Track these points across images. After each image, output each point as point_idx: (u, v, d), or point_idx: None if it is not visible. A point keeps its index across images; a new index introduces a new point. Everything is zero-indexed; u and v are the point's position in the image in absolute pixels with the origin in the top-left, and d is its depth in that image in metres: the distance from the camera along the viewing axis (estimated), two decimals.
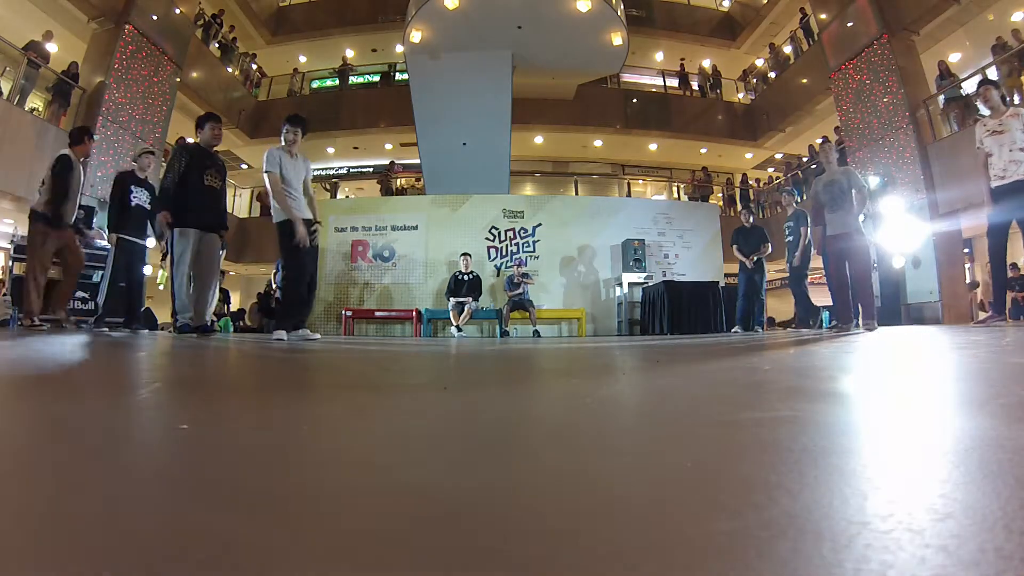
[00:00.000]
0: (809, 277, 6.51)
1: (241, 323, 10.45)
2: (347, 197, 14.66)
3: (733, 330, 6.66)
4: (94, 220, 7.20)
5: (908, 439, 0.62)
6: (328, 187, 14.50)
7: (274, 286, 7.53)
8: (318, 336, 4.43)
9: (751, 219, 7.00)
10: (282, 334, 3.89)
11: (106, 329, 4.74)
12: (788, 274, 6.69)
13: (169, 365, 1.91)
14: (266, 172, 3.94)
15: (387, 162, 15.02)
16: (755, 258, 6.63)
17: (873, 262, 6.36)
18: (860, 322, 4.82)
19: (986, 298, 10.30)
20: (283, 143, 4.08)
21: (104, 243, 6.75)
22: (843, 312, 4.80)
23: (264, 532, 0.34)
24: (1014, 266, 9.44)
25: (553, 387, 1.37)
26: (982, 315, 4.59)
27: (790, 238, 6.37)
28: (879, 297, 8.25)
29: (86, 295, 6.42)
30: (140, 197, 4.93)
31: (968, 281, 9.96)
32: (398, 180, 14.38)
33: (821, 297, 7.19)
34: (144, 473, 0.51)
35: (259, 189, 14.02)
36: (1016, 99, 7.93)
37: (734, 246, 6.93)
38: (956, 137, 8.38)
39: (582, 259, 9.31)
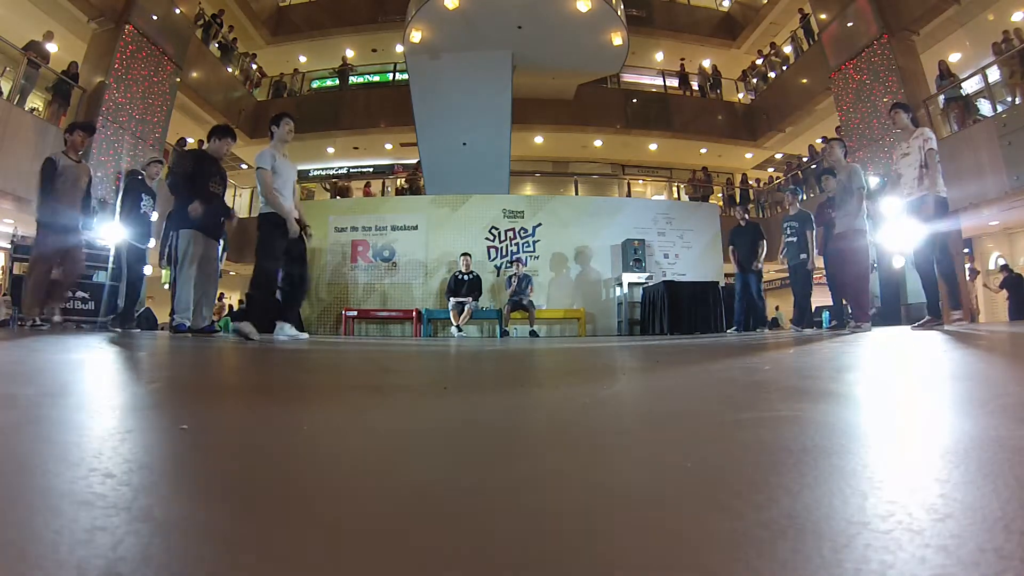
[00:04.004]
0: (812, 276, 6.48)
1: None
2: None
3: (730, 330, 6.64)
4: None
5: (908, 439, 0.62)
6: (328, 187, 14.47)
7: None
8: (306, 335, 4.40)
9: (746, 217, 7.03)
10: (252, 331, 3.67)
11: (123, 330, 4.76)
12: (788, 274, 6.66)
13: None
14: (259, 169, 3.90)
15: (389, 163, 14.95)
16: (758, 265, 6.60)
17: (873, 263, 6.36)
18: (851, 323, 4.87)
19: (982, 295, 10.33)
20: (276, 142, 4.03)
21: (104, 243, 6.75)
22: (838, 312, 5.03)
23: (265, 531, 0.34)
24: (1007, 267, 9.45)
25: (552, 388, 1.36)
26: (954, 314, 4.64)
27: (793, 238, 6.32)
28: (878, 297, 8.24)
29: (86, 295, 6.40)
30: (147, 205, 5.20)
31: (968, 272, 9.90)
32: (399, 180, 14.35)
33: (822, 297, 7.18)
34: (143, 469, 0.51)
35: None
36: (1017, 99, 7.92)
37: (731, 247, 6.94)
38: (956, 137, 8.35)
39: (582, 259, 9.30)
